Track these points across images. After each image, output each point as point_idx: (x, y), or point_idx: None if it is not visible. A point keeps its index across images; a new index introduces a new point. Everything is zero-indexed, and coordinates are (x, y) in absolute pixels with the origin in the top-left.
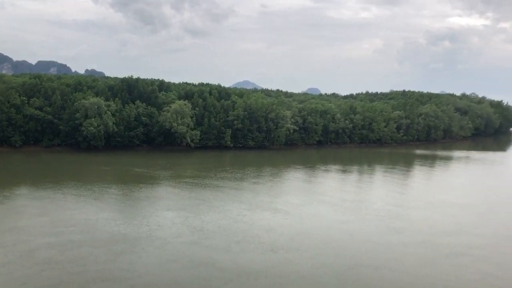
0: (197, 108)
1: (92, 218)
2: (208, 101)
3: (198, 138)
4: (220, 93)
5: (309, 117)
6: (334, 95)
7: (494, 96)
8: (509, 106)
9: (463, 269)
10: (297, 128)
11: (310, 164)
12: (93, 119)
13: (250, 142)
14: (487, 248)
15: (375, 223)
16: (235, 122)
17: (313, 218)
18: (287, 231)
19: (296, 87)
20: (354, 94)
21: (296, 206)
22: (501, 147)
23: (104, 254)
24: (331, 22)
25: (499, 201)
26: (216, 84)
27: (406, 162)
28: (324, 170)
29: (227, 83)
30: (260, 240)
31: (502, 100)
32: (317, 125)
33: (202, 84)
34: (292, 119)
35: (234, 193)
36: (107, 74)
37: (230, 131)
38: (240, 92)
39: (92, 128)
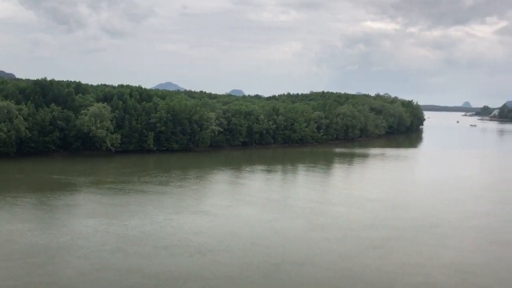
0: (117, 111)
1: (5, 229)
2: (129, 103)
3: (119, 142)
4: (141, 95)
5: (233, 118)
6: (257, 96)
7: (405, 96)
8: (419, 105)
9: (382, 260)
10: (222, 130)
11: (235, 165)
12: (2, 124)
13: (174, 145)
14: (403, 240)
15: (300, 221)
16: (158, 124)
17: (240, 218)
18: (215, 233)
19: (219, 89)
20: (277, 95)
21: (223, 207)
22: (413, 144)
23: (20, 267)
24: (251, 25)
25: (412, 195)
26: (137, 85)
27: (327, 160)
28: (250, 170)
29: (148, 84)
30: (188, 244)
31: (412, 100)
32: (241, 126)
33: (122, 86)
34: (217, 121)
35: (159, 197)
36: (18, 76)
37: (153, 134)
38: (162, 94)
39: (2, 134)
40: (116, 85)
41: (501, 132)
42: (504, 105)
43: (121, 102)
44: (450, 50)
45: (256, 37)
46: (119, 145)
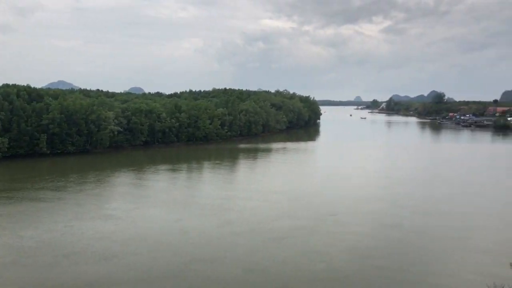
0: (2, 113)
1: None
2: (16, 104)
3: (7, 146)
4: (31, 94)
5: (133, 117)
6: (158, 94)
7: (303, 92)
8: (315, 100)
9: (287, 251)
10: (122, 129)
11: (137, 166)
12: None
13: (70, 147)
14: (306, 229)
15: (208, 218)
16: (51, 126)
17: (146, 220)
18: (120, 236)
19: (118, 87)
20: (179, 92)
21: (127, 210)
22: (311, 137)
23: None
24: (149, 21)
25: (312, 185)
26: (25, 84)
27: (232, 157)
28: (153, 171)
29: (38, 83)
30: (92, 250)
31: (309, 96)
32: (142, 125)
33: (7, 86)
34: (116, 120)
35: (57, 204)
36: None
37: (46, 137)
38: (54, 93)
39: None
40: (1, 85)
41: (388, 123)
42: (390, 99)
43: (7, 103)
44: (342, 48)
45: (155, 34)
46: (6, 149)
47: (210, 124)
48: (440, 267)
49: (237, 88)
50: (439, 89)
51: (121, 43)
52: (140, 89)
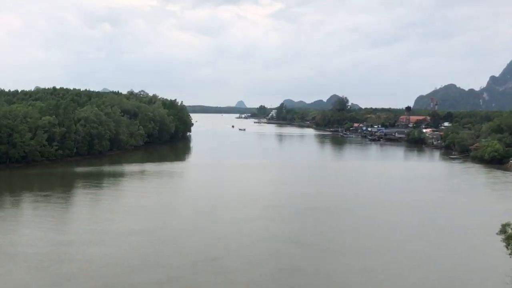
0: None
1: None
2: None
3: None
4: None
5: None
6: None
7: (167, 94)
8: (184, 106)
9: None
10: None
11: None
12: None
13: None
14: (182, 282)
15: (38, 274)
16: None
17: None
18: None
19: None
20: None
21: None
22: (179, 156)
23: None
24: None
25: (183, 222)
26: None
27: (67, 186)
28: None
29: None
30: None
31: (176, 99)
32: None
33: None
34: None
35: None
36: None
37: None
38: None
39: None
40: None
41: (279, 137)
42: (282, 105)
43: None
44: (220, 36)
45: None
46: None
47: (32, 138)
48: None
49: (72, 88)
50: (341, 93)
51: None
52: None
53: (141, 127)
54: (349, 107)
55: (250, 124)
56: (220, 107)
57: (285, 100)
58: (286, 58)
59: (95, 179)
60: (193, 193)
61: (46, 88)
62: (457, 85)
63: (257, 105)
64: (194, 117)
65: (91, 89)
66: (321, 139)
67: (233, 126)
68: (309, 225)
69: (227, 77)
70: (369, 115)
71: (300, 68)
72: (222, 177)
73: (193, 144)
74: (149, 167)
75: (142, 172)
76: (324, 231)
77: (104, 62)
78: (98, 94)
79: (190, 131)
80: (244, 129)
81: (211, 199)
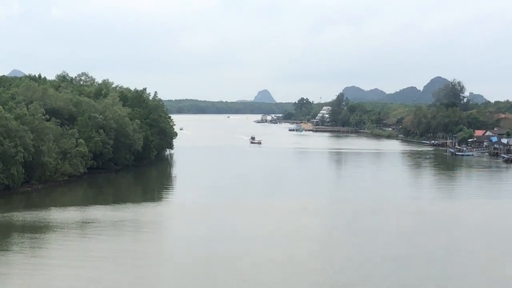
0: None
1: None
2: None
3: None
4: None
5: None
6: None
7: (129, 80)
8: (161, 101)
9: None
10: None
11: None
12: None
13: None
14: None
15: None
16: None
17: None
18: None
19: None
20: None
21: None
22: (150, 195)
23: None
24: None
25: None
26: None
27: None
28: None
29: None
30: None
31: (145, 89)
32: None
33: None
34: None
35: None
36: None
37: None
38: None
39: None
40: None
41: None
42: (340, 97)
43: None
44: None
45: None
46: None
47: None
48: None
49: None
50: (448, 75)
51: None
52: None
53: (81, 140)
54: (465, 99)
55: (281, 132)
56: (227, 103)
57: (346, 89)
58: (346, 12)
59: None
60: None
61: None
62: None
63: (293, 99)
64: (179, 120)
65: None
66: (415, 160)
67: (253, 141)
68: None
69: (240, 49)
70: (503, 115)
71: (373, 30)
72: (229, 235)
73: (176, 171)
74: (97, 213)
75: (83, 225)
76: None
77: (16, 23)
78: (3, 81)
79: (171, 146)
80: (260, 142)
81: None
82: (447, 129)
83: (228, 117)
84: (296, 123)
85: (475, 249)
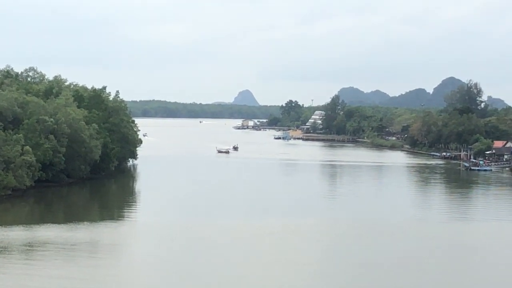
0: None
1: None
2: None
3: None
4: None
5: None
6: None
7: (85, 76)
8: (123, 102)
9: None
10: None
11: None
12: None
13: None
14: None
15: None
16: None
17: None
18: None
19: None
20: None
21: None
22: (109, 212)
23: None
24: None
25: None
26: None
27: None
28: None
29: None
30: None
31: (105, 87)
32: None
33: None
34: None
35: None
36: None
37: None
38: None
39: None
40: None
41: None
42: (335, 100)
43: None
44: None
45: None
46: None
47: None
48: None
49: None
50: (463, 76)
51: None
52: None
53: (28, 148)
54: (483, 104)
55: (265, 140)
56: (201, 105)
57: (343, 90)
58: (344, 0)
59: None
60: None
61: None
62: None
63: (279, 101)
64: (144, 125)
65: None
66: (423, 175)
67: (235, 148)
68: None
69: (217, 42)
70: None
71: (373, 21)
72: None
73: (140, 185)
74: (46, 234)
75: (29, 248)
76: None
77: None
78: None
79: (134, 156)
80: (227, 151)
81: None
82: (461, 139)
83: (200, 122)
84: (283, 130)
85: (494, 281)
